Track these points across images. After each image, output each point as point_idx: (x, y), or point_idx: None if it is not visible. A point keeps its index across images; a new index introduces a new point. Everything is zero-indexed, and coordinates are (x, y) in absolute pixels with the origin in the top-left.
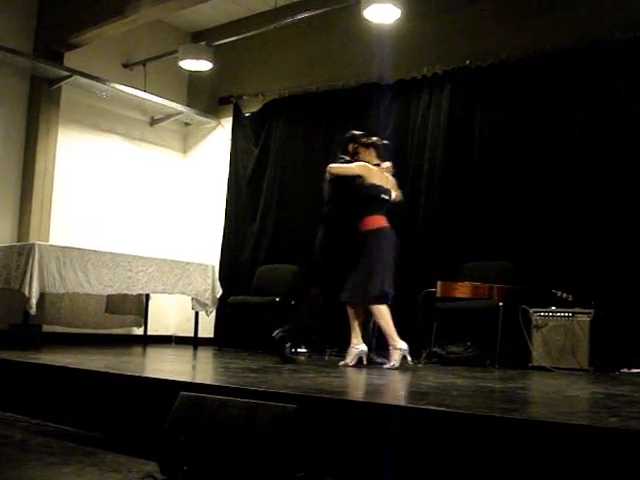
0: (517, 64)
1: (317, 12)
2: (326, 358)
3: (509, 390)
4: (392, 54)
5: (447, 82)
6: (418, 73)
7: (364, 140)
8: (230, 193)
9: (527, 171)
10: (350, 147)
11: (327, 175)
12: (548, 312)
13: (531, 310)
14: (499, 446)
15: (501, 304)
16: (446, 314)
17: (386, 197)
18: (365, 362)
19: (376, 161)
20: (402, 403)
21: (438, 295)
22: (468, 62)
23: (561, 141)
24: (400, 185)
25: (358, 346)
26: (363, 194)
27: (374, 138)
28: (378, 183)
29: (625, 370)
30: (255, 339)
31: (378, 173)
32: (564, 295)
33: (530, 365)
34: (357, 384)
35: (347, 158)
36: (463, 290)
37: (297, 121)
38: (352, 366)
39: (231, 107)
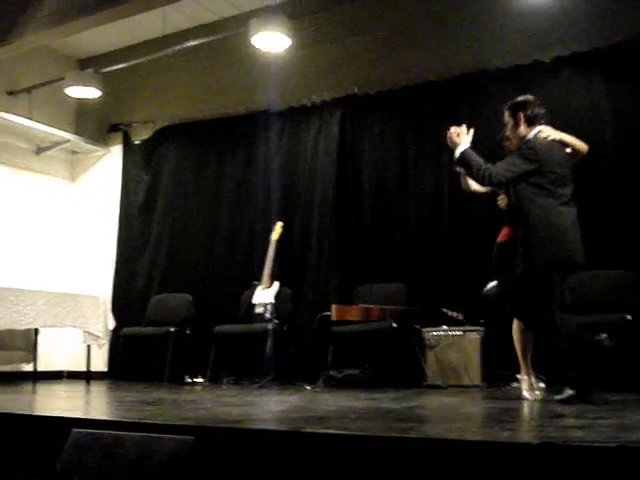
0: (404, 92)
1: (206, 40)
2: (224, 387)
3: (405, 410)
4: (282, 82)
5: (337, 109)
6: (308, 101)
7: None
8: (121, 222)
9: (416, 196)
10: None
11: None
12: (440, 331)
13: (423, 330)
14: (399, 466)
15: (394, 325)
16: (342, 337)
17: None
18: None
19: None
20: (302, 429)
21: (333, 319)
22: (356, 90)
23: (448, 163)
24: (292, 212)
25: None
26: None
27: None
28: None
29: (515, 384)
30: (150, 371)
31: None
32: (454, 314)
33: (425, 384)
34: (256, 412)
35: None
36: (357, 313)
37: (188, 149)
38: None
39: (121, 134)
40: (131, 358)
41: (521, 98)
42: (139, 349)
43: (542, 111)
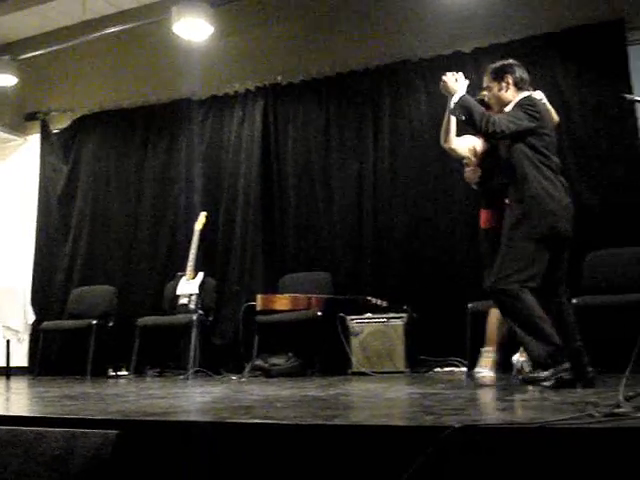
0: (327, 81)
1: (126, 26)
2: (148, 379)
3: (331, 397)
4: (205, 70)
5: (260, 98)
6: (231, 89)
7: None
8: (40, 212)
9: (341, 182)
10: None
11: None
12: (364, 319)
13: (348, 318)
14: (325, 454)
15: (320, 314)
16: (267, 327)
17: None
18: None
19: None
20: (227, 419)
21: (258, 308)
22: (280, 78)
23: (371, 152)
24: (215, 201)
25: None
26: None
27: None
28: None
29: (438, 369)
30: (72, 365)
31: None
32: (378, 301)
33: (350, 371)
34: (181, 404)
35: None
36: (283, 302)
37: (109, 138)
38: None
39: (38, 123)
40: (52, 352)
41: (506, 61)
42: (60, 343)
43: (528, 76)
